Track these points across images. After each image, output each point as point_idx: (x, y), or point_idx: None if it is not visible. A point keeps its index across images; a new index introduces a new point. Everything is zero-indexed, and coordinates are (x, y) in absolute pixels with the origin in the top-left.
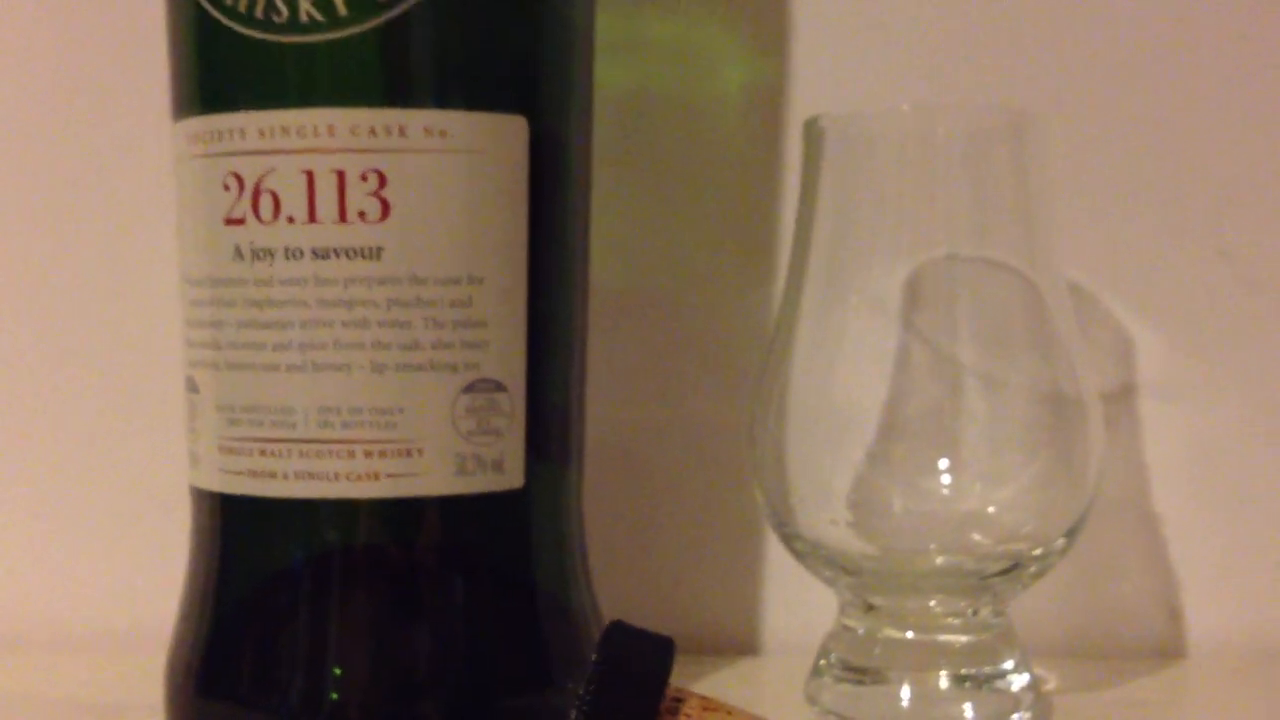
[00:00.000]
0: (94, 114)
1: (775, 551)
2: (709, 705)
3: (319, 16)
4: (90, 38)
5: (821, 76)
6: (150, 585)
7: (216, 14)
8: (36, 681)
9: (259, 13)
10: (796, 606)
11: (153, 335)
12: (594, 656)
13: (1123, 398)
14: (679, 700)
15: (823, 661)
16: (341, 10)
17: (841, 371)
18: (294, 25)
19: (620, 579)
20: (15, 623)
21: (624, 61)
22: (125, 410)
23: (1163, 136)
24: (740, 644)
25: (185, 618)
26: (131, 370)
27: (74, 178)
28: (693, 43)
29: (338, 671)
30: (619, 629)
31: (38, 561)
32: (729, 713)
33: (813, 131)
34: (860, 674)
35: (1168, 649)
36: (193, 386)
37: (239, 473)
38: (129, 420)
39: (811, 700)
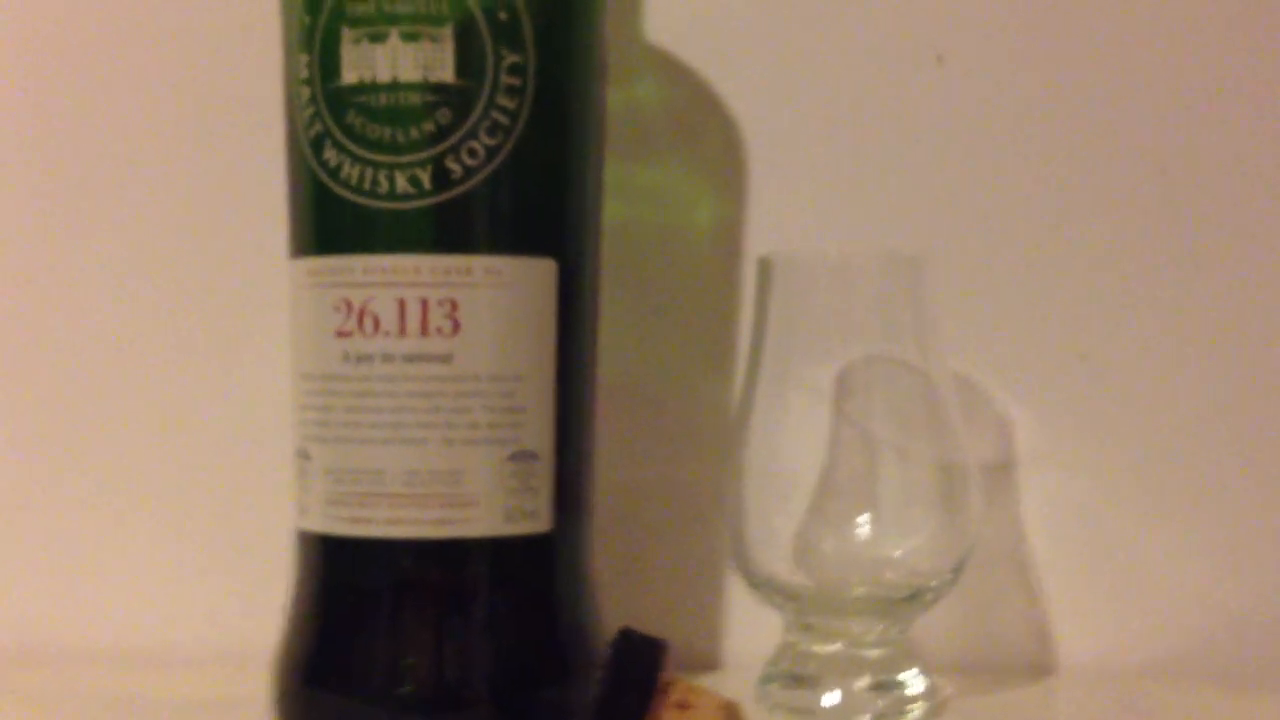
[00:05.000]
0: (215, 252)
1: (734, 584)
2: (692, 689)
3: (410, 190)
4: (209, 183)
5: (771, 216)
6: (236, 612)
7: (333, 185)
8: (151, 688)
9: (366, 185)
10: (750, 628)
11: (257, 415)
12: (609, 650)
13: (1002, 467)
14: (670, 683)
15: (770, 670)
16: (427, 185)
17: (787, 445)
18: (392, 195)
19: (611, 606)
20: (130, 637)
21: (616, 201)
22: (231, 474)
23: (1033, 264)
24: (706, 660)
25: (291, 630)
26: (241, 443)
27: (198, 297)
28: (670, 188)
29: (408, 661)
30: (628, 631)
31: (152, 586)
32: (704, 693)
33: (764, 265)
34: (799, 680)
35: (1039, 667)
36: (305, 455)
37: (340, 519)
38: (233, 481)
39: (761, 701)
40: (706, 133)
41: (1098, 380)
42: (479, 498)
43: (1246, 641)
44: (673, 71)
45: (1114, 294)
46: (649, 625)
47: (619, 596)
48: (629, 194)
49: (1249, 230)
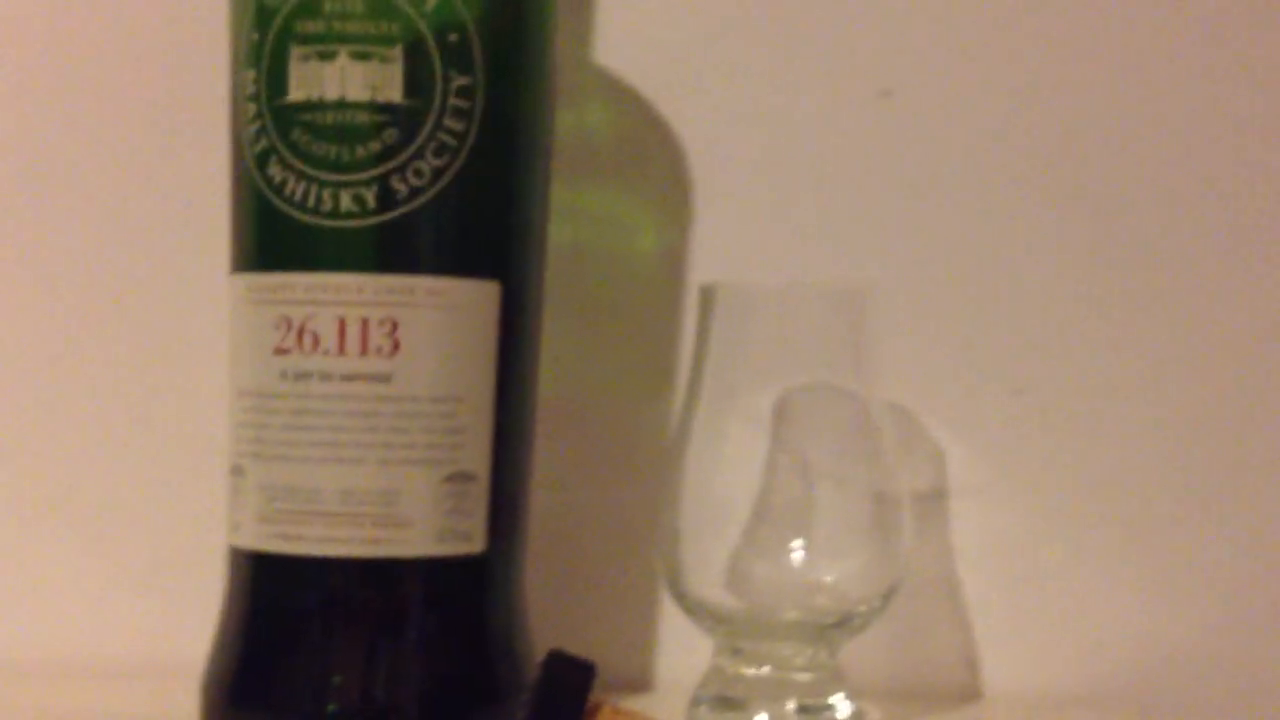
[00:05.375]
0: (152, 265)
1: (667, 607)
2: (619, 711)
3: (355, 208)
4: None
5: (715, 244)
6: (165, 627)
7: (277, 201)
8: (83, 701)
9: (310, 202)
10: (682, 650)
11: (191, 429)
12: (538, 671)
13: (935, 497)
14: (597, 706)
15: (699, 693)
16: (372, 205)
17: (723, 470)
18: (336, 214)
19: (544, 627)
20: (61, 650)
21: (561, 224)
22: (163, 488)
23: (971, 298)
24: (637, 682)
25: (220, 646)
26: (174, 457)
27: (134, 310)
28: (615, 212)
29: (337, 680)
30: (557, 654)
31: (81, 600)
32: (633, 715)
33: (706, 293)
34: (728, 703)
35: (966, 693)
36: (239, 471)
37: (273, 536)
38: (164, 495)
39: None
40: (653, 159)
41: (1032, 414)
42: (414, 518)
43: (1174, 673)
44: (621, 96)
45: (1050, 330)
46: (581, 646)
47: (552, 618)
48: (574, 217)
49: (1183, 270)
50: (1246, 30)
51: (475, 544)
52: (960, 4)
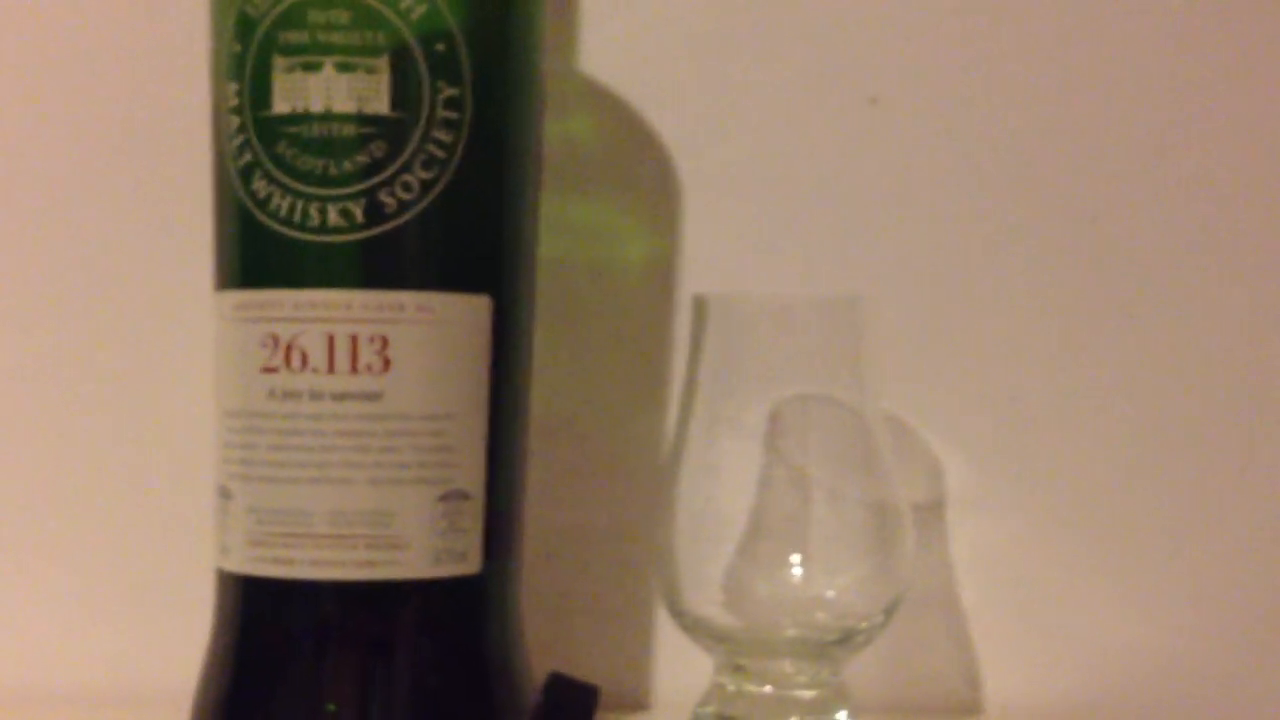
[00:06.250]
0: (134, 283)
1: (665, 624)
2: None
3: (342, 223)
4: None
5: (704, 253)
6: (146, 653)
7: (263, 217)
8: None
9: (296, 217)
10: (680, 668)
11: (174, 450)
12: (540, 696)
13: (932, 508)
14: None
15: (699, 711)
16: (359, 219)
17: (719, 485)
18: (323, 229)
19: (539, 647)
20: (38, 678)
21: (548, 236)
22: (145, 510)
23: (964, 306)
24: (634, 700)
25: (210, 674)
26: (157, 479)
27: (115, 328)
28: (603, 224)
29: (331, 708)
30: (558, 678)
31: (61, 625)
32: None
33: (700, 305)
34: None
35: (967, 708)
36: (226, 494)
37: (263, 559)
38: (146, 517)
39: None
40: (640, 169)
41: (1027, 423)
42: (408, 539)
43: (1174, 685)
44: (607, 106)
45: (1044, 338)
46: (578, 666)
47: (546, 636)
48: (562, 229)
49: (1178, 278)
50: (1242, 38)
51: (471, 564)
52: (947, 9)
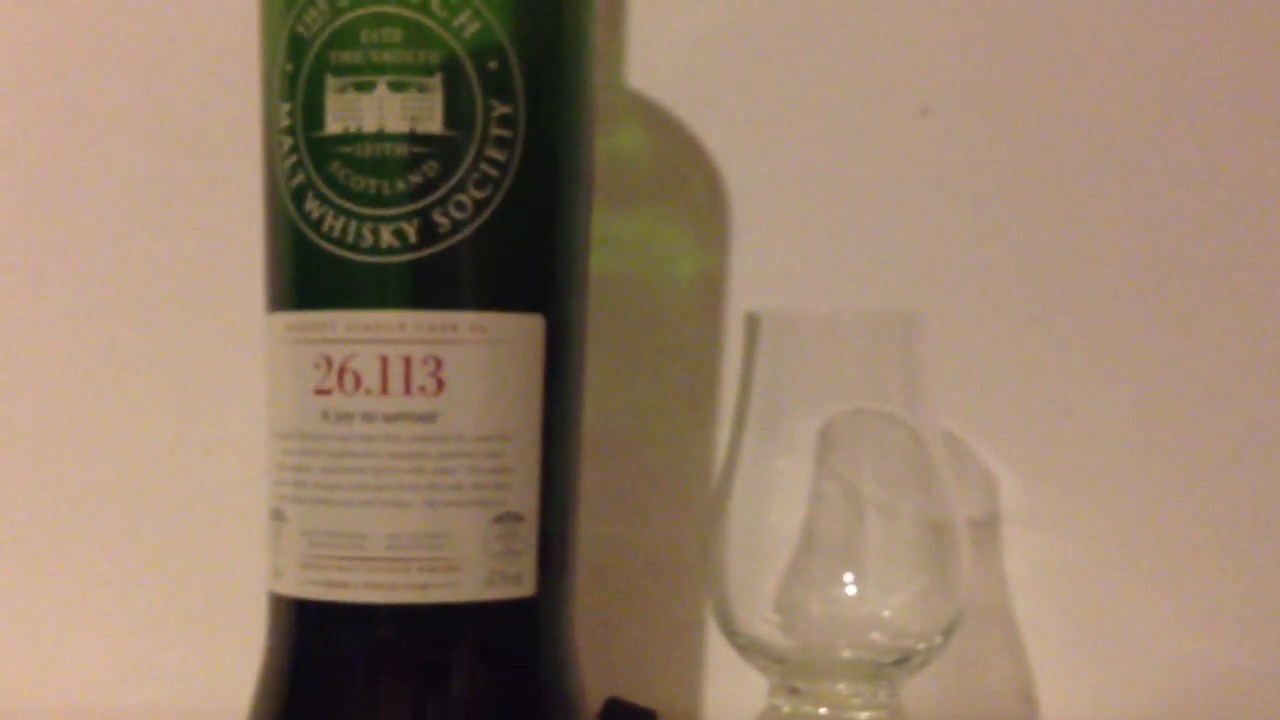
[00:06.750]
0: (187, 305)
1: (718, 644)
2: None
3: (396, 243)
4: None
5: (755, 268)
6: (203, 675)
7: (316, 238)
8: None
9: (349, 238)
10: (733, 689)
11: (229, 472)
12: None
13: (987, 524)
14: None
15: None
16: (413, 239)
17: (773, 503)
18: (376, 249)
19: (592, 668)
20: (90, 699)
21: (598, 252)
22: (200, 532)
23: (1018, 318)
24: None
25: (262, 697)
26: (211, 501)
27: (171, 351)
28: (652, 239)
29: None
30: (615, 704)
31: (117, 647)
32: None
33: (752, 321)
34: None
35: None
36: (279, 516)
37: (316, 583)
38: (201, 539)
39: None
40: (690, 183)
41: (1083, 437)
42: (462, 561)
43: (1231, 703)
44: (656, 120)
45: (1100, 350)
46: (628, 686)
47: (597, 656)
48: (611, 244)
49: (1236, 288)
50: None
51: (525, 587)
52: (997, 19)
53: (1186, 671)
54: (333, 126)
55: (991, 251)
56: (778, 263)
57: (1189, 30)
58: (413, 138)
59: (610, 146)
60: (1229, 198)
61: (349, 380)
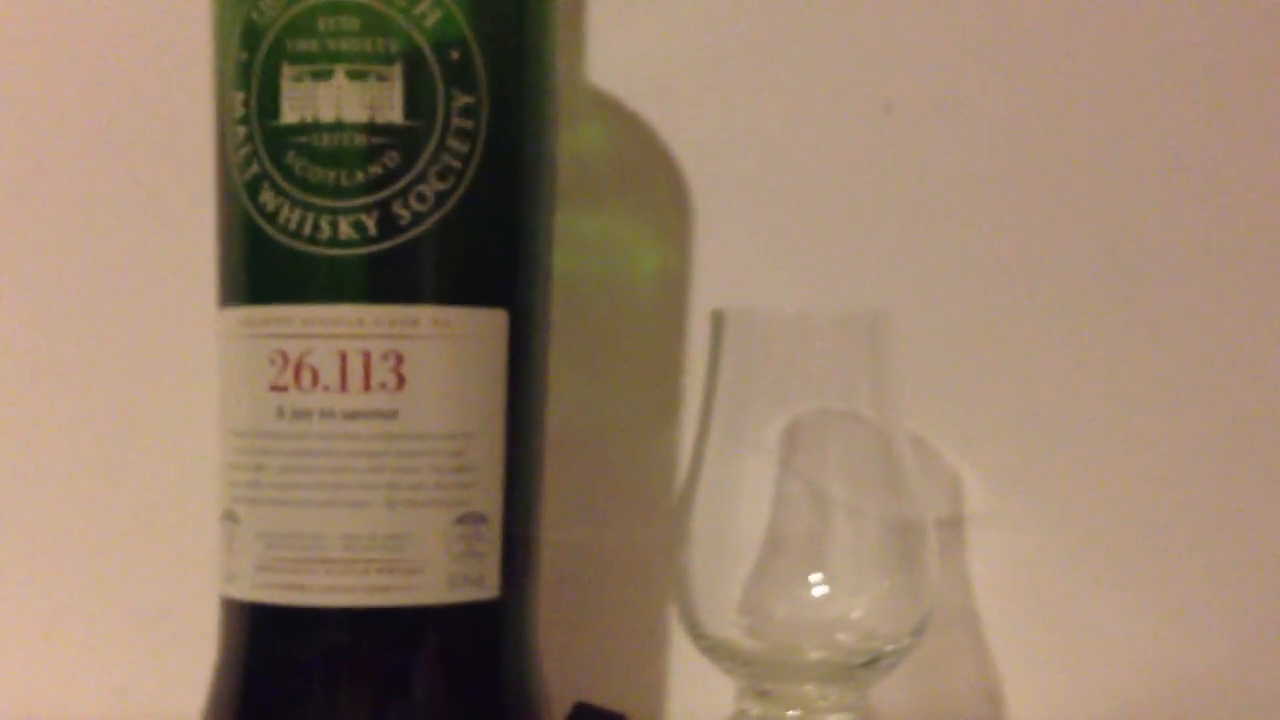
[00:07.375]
0: (135, 299)
1: (684, 647)
2: None
3: (354, 236)
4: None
5: (718, 266)
6: (150, 684)
7: (271, 230)
8: None
9: (306, 230)
10: (700, 693)
11: (177, 473)
12: None
13: (953, 525)
14: None
15: None
16: (372, 232)
17: (738, 504)
18: (334, 242)
19: (556, 672)
20: (37, 710)
21: (559, 250)
22: (147, 535)
23: (982, 318)
24: None
25: (216, 705)
26: (159, 503)
27: (118, 348)
28: (614, 237)
29: None
30: (583, 708)
31: (62, 656)
32: None
33: (717, 319)
34: None
35: None
36: (232, 518)
37: (272, 586)
38: (148, 543)
39: None
40: (652, 180)
41: (1048, 438)
42: (423, 563)
43: (1197, 703)
44: (618, 117)
45: (1066, 351)
46: (593, 689)
47: (561, 659)
48: (572, 242)
49: (1203, 290)
50: (1272, 46)
51: (488, 589)
52: (961, 15)
53: (1151, 672)
54: (289, 116)
55: (957, 250)
56: (741, 261)
57: (1158, 29)
58: (371, 128)
59: (572, 144)
60: (1197, 199)
61: (306, 376)
